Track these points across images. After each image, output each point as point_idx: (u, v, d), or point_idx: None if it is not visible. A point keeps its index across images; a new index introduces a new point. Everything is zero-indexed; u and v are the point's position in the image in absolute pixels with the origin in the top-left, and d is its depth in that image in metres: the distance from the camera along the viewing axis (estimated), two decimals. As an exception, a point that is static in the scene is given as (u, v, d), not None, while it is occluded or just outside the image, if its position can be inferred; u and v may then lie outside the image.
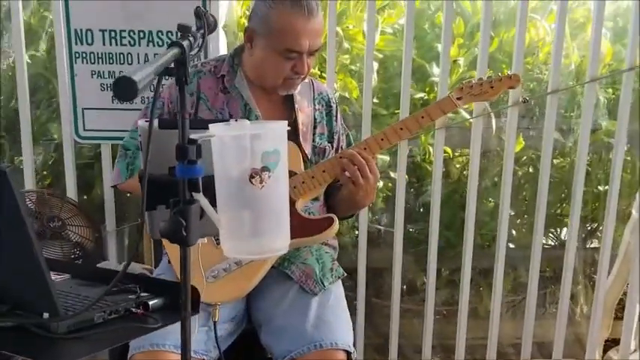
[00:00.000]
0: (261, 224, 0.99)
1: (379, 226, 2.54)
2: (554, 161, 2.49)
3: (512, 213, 2.52)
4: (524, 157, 2.54)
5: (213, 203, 0.96)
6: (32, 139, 2.15)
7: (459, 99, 1.64)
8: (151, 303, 1.10)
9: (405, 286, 2.56)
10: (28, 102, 2.11)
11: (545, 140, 2.19)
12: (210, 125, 0.94)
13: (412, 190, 2.54)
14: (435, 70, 2.32)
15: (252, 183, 0.94)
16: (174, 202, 0.94)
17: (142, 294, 1.13)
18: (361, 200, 1.57)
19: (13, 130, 2.24)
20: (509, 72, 1.69)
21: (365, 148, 1.59)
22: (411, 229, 2.54)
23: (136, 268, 1.88)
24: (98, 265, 1.93)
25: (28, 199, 1.89)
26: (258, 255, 1.05)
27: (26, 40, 2.11)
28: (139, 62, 2.05)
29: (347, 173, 1.53)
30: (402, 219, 2.21)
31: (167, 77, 0.93)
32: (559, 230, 2.68)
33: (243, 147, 0.94)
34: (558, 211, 2.63)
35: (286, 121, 0.98)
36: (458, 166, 2.56)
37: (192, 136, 0.93)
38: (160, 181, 0.99)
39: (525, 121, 2.44)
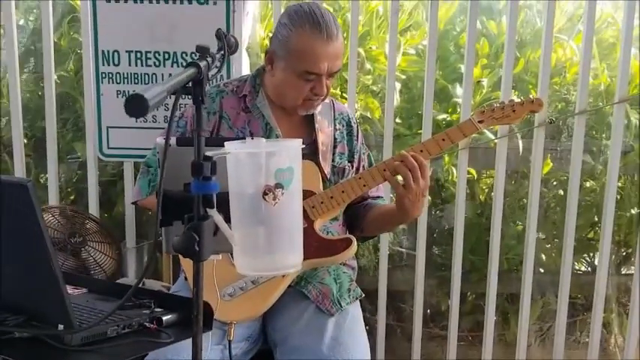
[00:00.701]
0: (275, 241, 0.99)
1: (401, 249, 2.51)
2: (586, 184, 2.43)
3: (542, 237, 2.46)
4: (553, 179, 2.48)
5: (228, 220, 0.96)
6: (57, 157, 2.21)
7: (480, 122, 1.62)
8: (164, 318, 1.11)
9: (429, 311, 2.51)
10: (55, 121, 2.17)
11: (573, 162, 2.15)
12: (225, 143, 0.95)
13: (437, 211, 2.50)
14: (459, 90, 2.30)
15: (265, 199, 0.95)
16: (188, 217, 0.95)
17: (156, 309, 1.15)
18: (410, 208, 1.51)
19: (39, 148, 2.30)
20: (530, 96, 1.66)
21: (385, 170, 1.57)
22: (435, 252, 2.50)
23: (154, 285, 1.88)
24: (117, 281, 1.94)
25: (51, 215, 1.92)
26: (270, 271, 1.04)
27: (55, 61, 2.18)
28: (162, 82, 2.09)
29: (398, 177, 1.49)
30: (424, 241, 2.18)
31: (185, 96, 0.94)
32: (592, 255, 2.61)
33: (256, 164, 0.95)
34: (590, 235, 2.55)
35: (301, 139, 0.99)
36: (484, 187, 2.52)
37: (208, 153, 0.94)
38: (176, 197, 1.00)
39: (553, 142, 2.40)
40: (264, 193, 0.96)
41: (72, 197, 2.47)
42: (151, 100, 0.82)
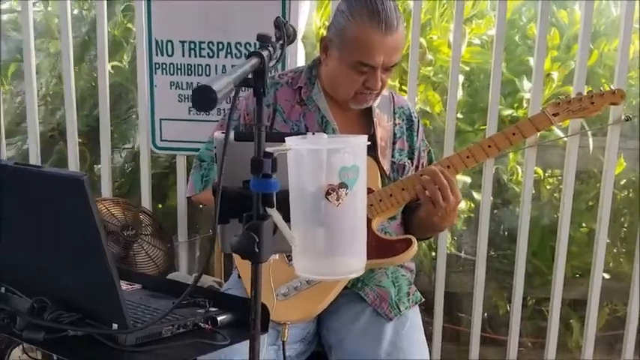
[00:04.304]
0: (337, 243, 0.94)
1: (460, 254, 2.41)
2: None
3: (608, 240, 2.32)
4: (624, 180, 2.33)
5: (287, 218, 0.91)
6: (111, 148, 2.20)
7: (554, 115, 1.51)
8: (219, 319, 1.08)
9: (486, 314, 2.41)
10: (108, 113, 2.15)
11: (649, 162, 2.00)
12: (286, 138, 0.90)
13: (496, 212, 2.39)
14: (526, 84, 2.17)
15: (328, 199, 0.90)
16: (247, 216, 0.90)
17: (211, 309, 1.12)
18: (439, 223, 1.49)
19: (94, 139, 2.30)
20: (611, 87, 1.54)
21: (449, 166, 1.49)
22: (494, 254, 2.39)
23: (206, 280, 1.86)
24: (168, 276, 1.92)
25: (104, 207, 1.92)
26: (331, 276, 0.98)
27: (110, 51, 2.17)
28: (217, 74, 2.05)
29: (427, 192, 1.43)
30: (485, 245, 2.08)
31: (244, 89, 0.89)
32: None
33: (320, 161, 0.90)
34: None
35: (366, 136, 0.93)
36: (548, 187, 2.39)
37: (268, 149, 0.89)
38: (233, 195, 0.95)
39: (627, 141, 2.24)
40: (327, 193, 0.90)
41: (126, 188, 2.47)
42: (219, 92, 0.78)
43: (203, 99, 0.77)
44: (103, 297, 0.95)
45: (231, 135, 1.07)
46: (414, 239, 1.45)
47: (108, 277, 0.91)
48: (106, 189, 2.19)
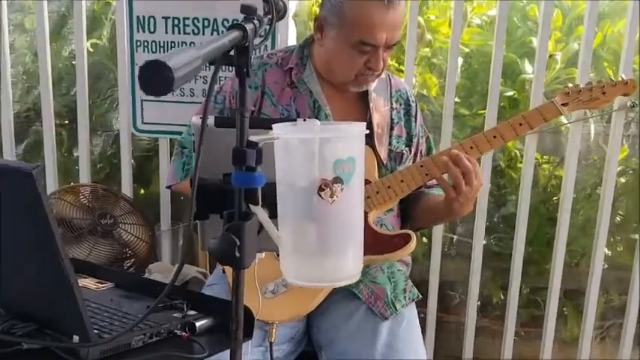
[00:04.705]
0: (329, 245, 0.84)
1: (454, 236, 2.33)
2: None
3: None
4: (621, 167, 2.26)
5: (273, 215, 0.82)
6: (91, 130, 2.09)
7: (564, 105, 1.42)
8: (198, 324, 0.98)
9: (479, 302, 2.34)
10: (86, 96, 2.04)
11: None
12: (273, 126, 0.80)
13: (491, 198, 2.31)
14: (527, 66, 2.08)
15: (320, 196, 0.80)
16: (227, 215, 0.79)
17: (189, 312, 1.02)
18: (458, 209, 1.36)
19: (73, 120, 2.19)
20: (622, 76, 1.45)
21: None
22: (489, 241, 2.31)
23: (190, 271, 1.76)
24: (150, 266, 1.82)
25: (81, 194, 1.81)
26: (322, 282, 0.88)
27: (89, 28, 2.05)
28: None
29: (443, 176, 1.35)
30: (482, 232, 2.01)
31: (230, 68, 0.79)
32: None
33: (311, 153, 0.79)
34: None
35: (364, 124, 0.83)
36: (546, 173, 2.31)
37: (252, 137, 0.78)
38: (213, 188, 0.85)
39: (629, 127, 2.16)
40: (320, 189, 0.80)
41: (106, 171, 2.36)
42: (177, 71, 0.58)
43: (153, 79, 0.57)
44: (61, 304, 0.85)
45: (212, 120, 0.96)
46: (412, 234, 1.36)
47: (65, 282, 0.81)
48: (84, 174, 2.08)
